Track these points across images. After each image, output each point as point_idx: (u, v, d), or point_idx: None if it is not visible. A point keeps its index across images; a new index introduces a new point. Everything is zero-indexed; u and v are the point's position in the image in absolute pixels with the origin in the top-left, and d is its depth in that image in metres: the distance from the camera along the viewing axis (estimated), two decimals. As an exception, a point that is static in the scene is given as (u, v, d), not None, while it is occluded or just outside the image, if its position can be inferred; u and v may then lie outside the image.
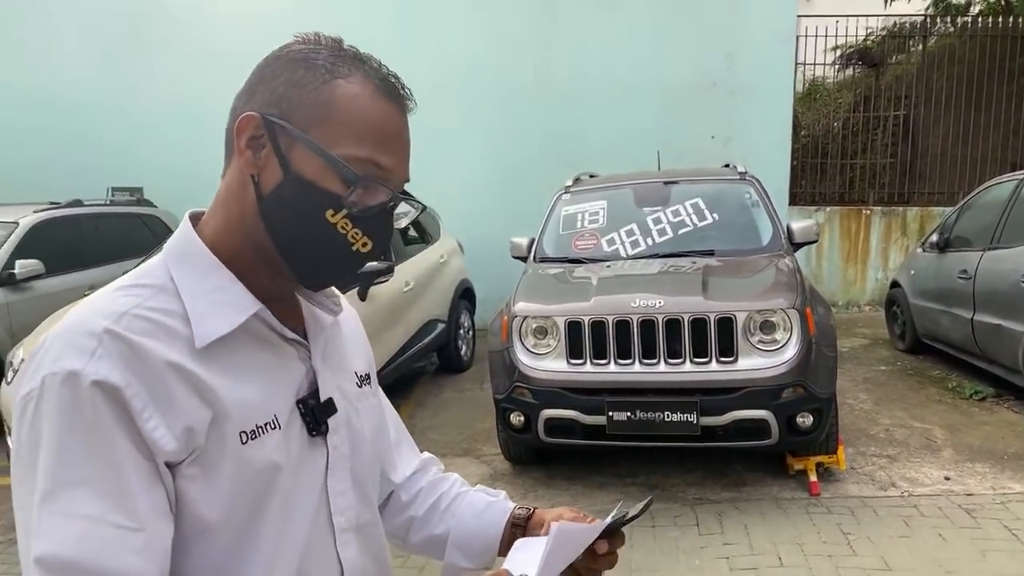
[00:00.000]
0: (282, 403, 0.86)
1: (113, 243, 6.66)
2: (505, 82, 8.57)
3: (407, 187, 0.91)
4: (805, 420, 3.86)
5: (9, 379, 4.21)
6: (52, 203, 6.57)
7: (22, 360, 4.13)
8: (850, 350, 7.16)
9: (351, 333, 1.08)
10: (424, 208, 0.95)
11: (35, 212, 6.16)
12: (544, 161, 8.44)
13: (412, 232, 6.93)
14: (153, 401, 0.75)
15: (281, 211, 0.83)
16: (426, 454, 1.24)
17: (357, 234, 0.83)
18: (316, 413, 0.90)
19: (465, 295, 7.26)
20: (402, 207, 0.90)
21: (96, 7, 8.89)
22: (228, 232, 0.87)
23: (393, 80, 0.87)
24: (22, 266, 5.60)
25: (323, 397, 0.91)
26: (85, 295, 4.80)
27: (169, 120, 8.65)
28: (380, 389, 1.13)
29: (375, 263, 5.24)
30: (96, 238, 6.56)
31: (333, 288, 1.00)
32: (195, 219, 0.91)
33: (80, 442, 0.73)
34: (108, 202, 7.23)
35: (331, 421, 0.91)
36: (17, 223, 5.94)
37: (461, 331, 7.08)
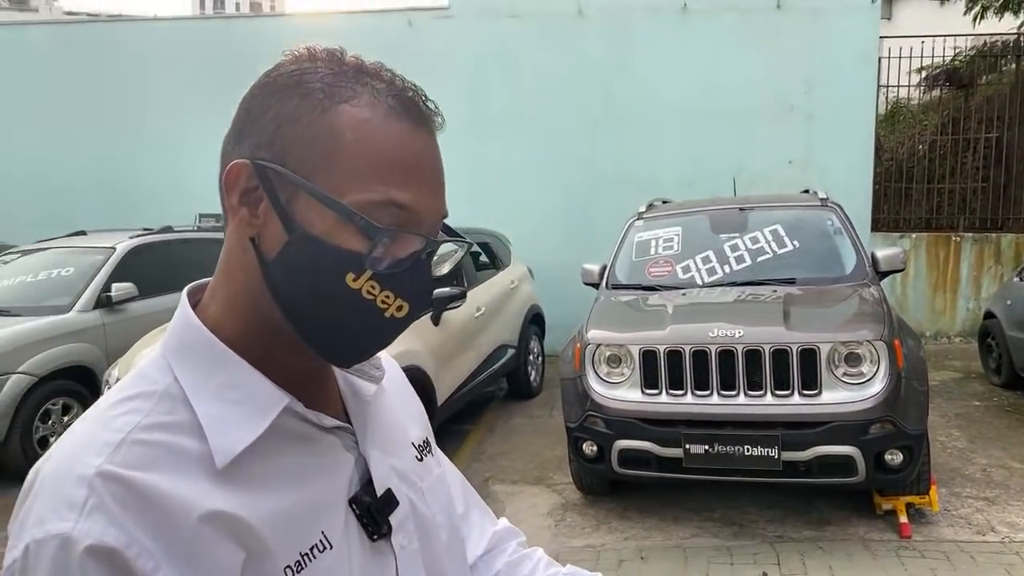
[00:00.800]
0: (331, 512, 0.70)
1: (200, 267, 6.90)
2: (577, 109, 8.61)
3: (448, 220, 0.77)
4: (894, 458, 3.67)
5: (104, 397, 4.43)
6: (145, 229, 6.93)
7: (117, 379, 4.34)
8: (941, 384, 6.80)
9: (398, 392, 0.91)
10: (471, 245, 0.79)
11: (130, 238, 6.50)
12: (615, 187, 8.41)
13: (483, 258, 7.00)
14: (169, 557, 0.59)
15: (291, 280, 0.66)
16: (503, 523, 1.03)
17: (388, 297, 0.66)
18: (374, 513, 0.74)
19: (535, 321, 7.26)
20: (445, 247, 0.74)
21: (190, 41, 9.41)
22: (233, 309, 0.70)
23: (411, 94, 0.70)
24: (118, 289, 5.90)
25: (379, 490, 0.75)
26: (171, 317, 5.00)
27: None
28: (440, 452, 0.96)
29: (447, 288, 5.33)
30: (185, 262, 6.87)
31: None
32: (195, 295, 0.74)
33: None
34: (195, 228, 7.56)
35: (393, 518, 0.75)
36: (114, 248, 6.28)
37: (531, 357, 7.07)
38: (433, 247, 0.69)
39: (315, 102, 0.66)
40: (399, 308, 0.67)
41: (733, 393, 3.77)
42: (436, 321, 5.20)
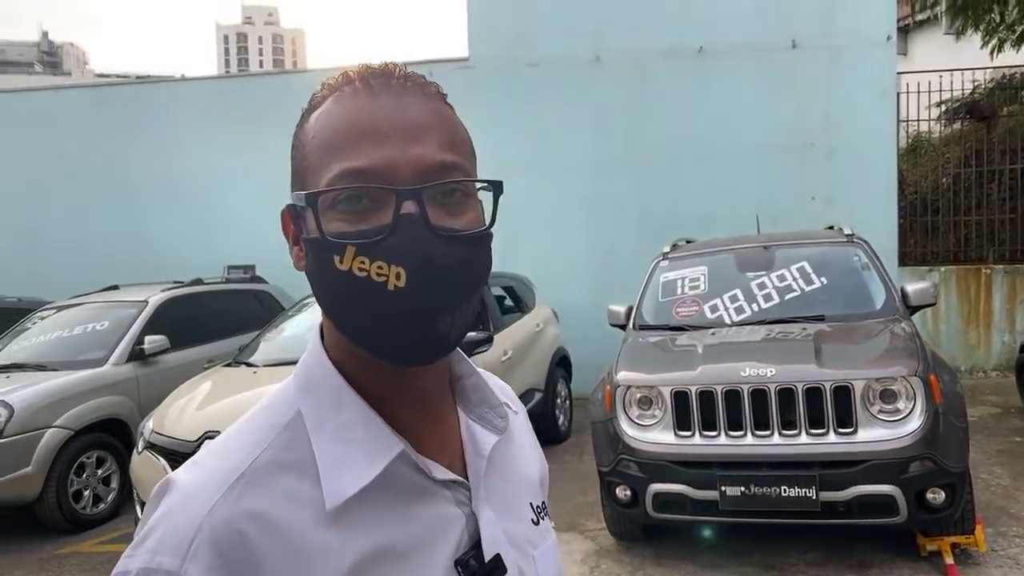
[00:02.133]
0: (435, 570, 0.67)
1: (230, 318, 7.06)
2: (598, 152, 8.72)
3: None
4: (936, 496, 3.58)
5: (139, 449, 4.47)
6: (176, 282, 7.07)
7: (152, 431, 4.39)
8: (979, 419, 6.64)
9: (525, 447, 0.85)
10: (495, 182, 0.70)
11: (162, 291, 6.63)
12: (638, 228, 8.45)
13: (508, 301, 7.03)
14: None
15: (316, 290, 0.68)
16: None
17: (382, 267, 0.61)
18: None
19: (561, 363, 7.25)
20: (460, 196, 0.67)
21: (217, 100, 9.72)
22: (332, 338, 0.71)
23: (370, 72, 0.68)
24: (151, 341, 6.01)
25: (487, 555, 0.70)
26: (205, 367, 5.07)
27: (277, 205, 9.20)
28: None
29: (473, 333, 5.35)
30: (215, 314, 6.98)
31: (498, 393, 0.80)
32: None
33: None
34: (224, 279, 7.70)
35: None
36: (147, 302, 6.41)
37: (558, 400, 7.03)
38: (412, 196, 0.63)
39: (299, 123, 0.69)
40: (397, 276, 0.61)
41: (767, 433, 3.72)
42: (464, 366, 5.21)
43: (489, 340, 5.40)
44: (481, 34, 9.01)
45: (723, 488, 3.68)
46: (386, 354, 0.66)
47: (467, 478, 0.73)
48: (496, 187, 0.70)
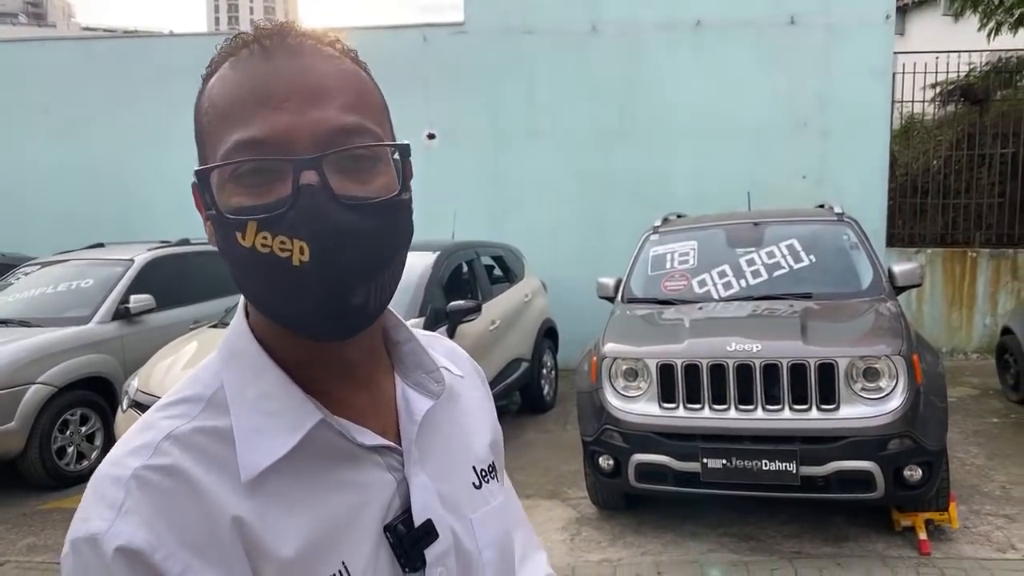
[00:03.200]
0: (358, 541, 0.66)
1: (216, 279, 7.01)
2: (591, 124, 8.65)
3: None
4: (913, 474, 3.65)
5: (124, 407, 4.46)
6: (163, 242, 7.00)
7: (137, 389, 4.38)
8: (958, 400, 6.74)
9: (476, 408, 0.85)
10: (400, 145, 0.66)
11: (148, 250, 6.57)
12: (629, 201, 8.43)
13: (497, 271, 7.02)
14: (201, 557, 0.59)
15: (226, 264, 0.65)
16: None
17: (285, 242, 0.59)
18: (406, 545, 0.68)
19: (548, 334, 7.27)
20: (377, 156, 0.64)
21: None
22: (255, 313, 0.69)
23: (267, 34, 0.64)
24: (136, 301, 5.96)
25: (417, 520, 0.69)
26: (191, 328, 5.06)
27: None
28: (508, 481, 0.90)
29: (462, 302, 5.35)
30: (201, 275, 6.93)
31: (439, 357, 0.79)
32: None
33: None
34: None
35: (430, 551, 0.69)
36: (132, 260, 6.35)
37: (544, 371, 7.07)
38: (311, 165, 0.59)
39: (200, 91, 0.66)
40: (301, 251, 0.59)
41: (751, 407, 3.76)
42: (451, 334, 5.21)
43: (478, 309, 5.40)
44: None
45: (705, 460, 3.73)
46: (300, 330, 0.64)
47: (401, 444, 0.72)
48: (403, 150, 0.66)
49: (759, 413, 3.75)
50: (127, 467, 0.61)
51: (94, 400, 5.62)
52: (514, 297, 6.76)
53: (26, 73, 9.76)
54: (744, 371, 3.78)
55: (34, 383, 5.16)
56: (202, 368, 0.70)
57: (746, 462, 3.66)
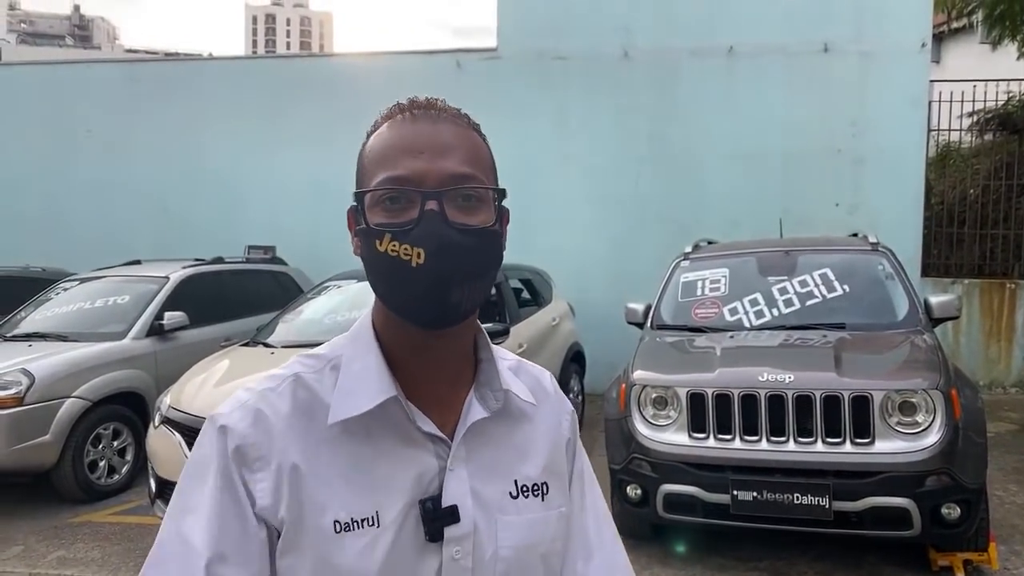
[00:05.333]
0: (393, 498, 0.85)
1: (249, 297, 7.11)
2: (622, 149, 8.67)
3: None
4: (951, 512, 3.54)
5: (156, 423, 4.51)
6: (197, 259, 7.12)
7: (169, 406, 4.43)
8: (996, 436, 6.55)
9: (539, 432, 0.98)
10: (497, 190, 0.88)
11: (183, 268, 6.69)
12: (659, 227, 8.41)
13: (525, 294, 7.02)
14: (269, 460, 0.83)
15: (366, 267, 0.87)
16: None
17: (408, 249, 0.81)
18: (432, 518, 0.85)
19: (575, 359, 7.23)
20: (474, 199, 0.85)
21: (244, 80, 9.76)
22: (377, 308, 0.92)
23: (416, 105, 0.87)
24: (170, 317, 6.05)
25: (446, 503, 0.86)
26: (222, 346, 5.09)
27: (299, 188, 9.29)
28: (585, 500, 1.03)
29: (490, 325, 5.35)
30: (234, 293, 7.03)
31: (510, 379, 0.95)
32: None
33: (192, 476, 0.85)
34: (245, 259, 7.75)
35: (449, 530, 0.85)
36: (167, 278, 6.46)
37: (571, 395, 7.02)
38: (433, 198, 0.81)
39: (364, 142, 0.89)
40: (418, 255, 0.80)
41: (783, 439, 3.69)
42: (479, 357, 5.21)
43: (506, 332, 5.40)
44: (510, 25, 8.97)
45: (735, 492, 3.66)
46: (406, 315, 0.85)
47: (453, 439, 0.89)
48: (500, 194, 0.89)
49: (791, 445, 3.68)
50: (264, 384, 0.88)
51: (127, 415, 5.70)
52: (542, 320, 6.75)
53: (71, 94, 10.07)
54: (776, 402, 3.72)
55: (69, 397, 5.26)
56: (337, 339, 0.94)
57: (777, 495, 3.59)
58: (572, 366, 7.09)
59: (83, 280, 6.81)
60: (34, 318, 6.33)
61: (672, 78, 8.63)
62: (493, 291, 6.26)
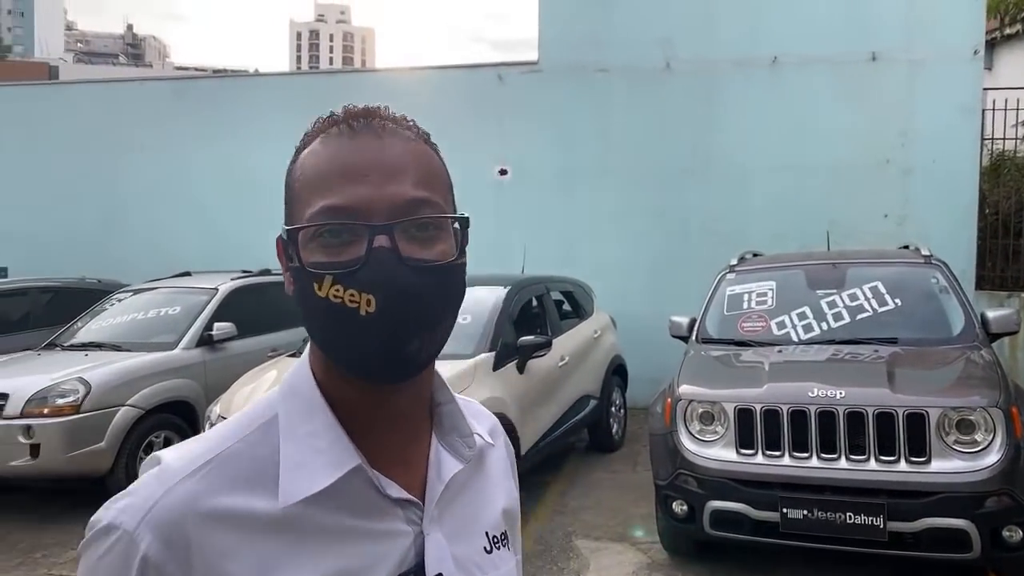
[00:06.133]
0: None
1: (294, 309, 7.21)
2: (664, 160, 8.62)
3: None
4: (1013, 534, 3.42)
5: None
6: (244, 271, 7.28)
7: (219, 416, 4.53)
8: (1057, 455, 6.31)
9: (498, 474, 0.89)
10: (460, 217, 0.76)
11: (231, 280, 6.83)
12: (702, 239, 8.33)
13: (566, 307, 7.01)
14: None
15: (300, 311, 0.73)
16: None
17: (354, 295, 0.67)
18: None
19: (618, 372, 7.19)
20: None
21: (288, 95, 9.98)
22: (316, 357, 0.77)
23: (354, 116, 0.73)
24: (219, 328, 6.20)
25: (429, 573, 0.74)
26: (268, 356, 5.18)
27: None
28: (519, 540, 0.94)
29: (532, 337, 5.35)
30: (281, 304, 7.16)
31: (474, 424, 0.85)
32: None
33: None
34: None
35: None
36: (216, 289, 6.62)
37: (613, 409, 6.97)
38: (384, 231, 0.68)
39: (292, 160, 0.76)
40: (368, 303, 0.67)
41: (834, 456, 3.61)
42: (521, 369, 5.22)
43: (548, 344, 5.39)
44: (552, 38, 9.01)
45: (784, 510, 3.59)
46: (357, 372, 0.71)
47: (424, 500, 0.77)
48: (463, 222, 0.75)
49: (843, 463, 3.60)
50: (172, 475, 0.69)
51: (177, 423, 5.84)
52: (583, 333, 6.73)
53: (125, 110, 10.40)
54: (827, 418, 3.64)
55: (123, 405, 5.40)
56: (260, 400, 0.78)
57: (829, 514, 3.51)
58: (614, 379, 7.05)
59: (136, 291, 7.01)
60: (90, 328, 6.53)
61: (715, 89, 8.56)
62: (535, 302, 6.27)
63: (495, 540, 0.83)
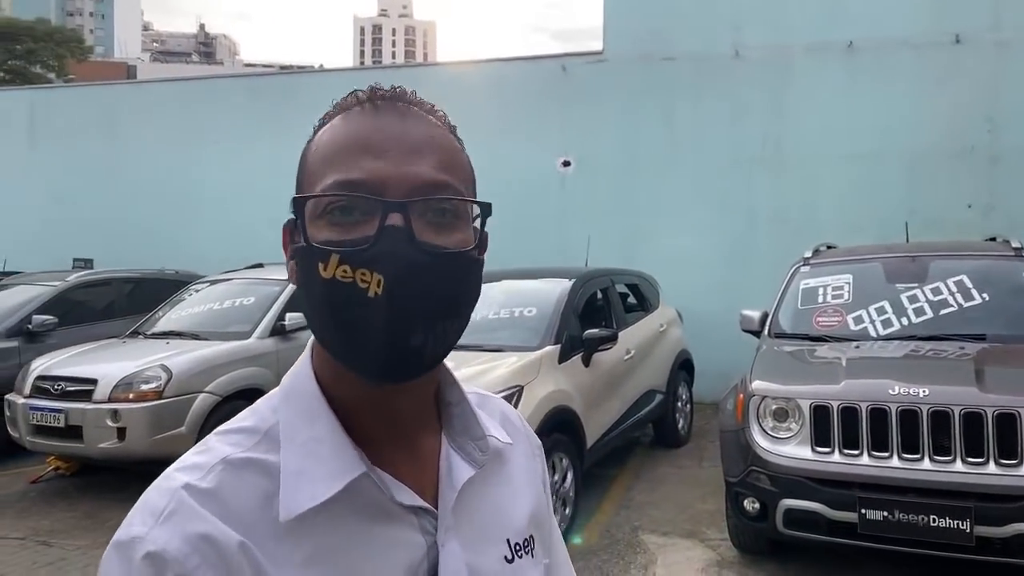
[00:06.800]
0: None
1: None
2: (732, 150, 8.44)
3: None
4: (1112, 543, 3.23)
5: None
6: (314, 263, 7.43)
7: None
8: None
9: (518, 475, 0.83)
10: (481, 204, 0.71)
11: (302, 271, 7.01)
12: (771, 231, 8.13)
13: (631, 299, 6.93)
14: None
15: (301, 299, 0.68)
16: None
17: (365, 275, 0.62)
18: None
19: (684, 366, 7.08)
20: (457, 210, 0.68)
21: (352, 88, 10.14)
22: (319, 356, 0.72)
23: (380, 95, 0.70)
24: (291, 318, 6.36)
25: None
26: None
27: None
28: (558, 543, 0.90)
29: (598, 331, 5.31)
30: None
31: (487, 423, 0.79)
32: None
33: None
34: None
35: None
36: (288, 281, 6.78)
37: (679, 404, 6.88)
38: (398, 208, 0.63)
39: (309, 139, 0.71)
40: (378, 284, 0.62)
41: (916, 456, 3.47)
42: (587, 362, 5.19)
43: (614, 338, 5.34)
44: (617, 28, 8.91)
45: (863, 511, 3.47)
46: (357, 366, 0.66)
47: (437, 506, 0.72)
48: (484, 208, 0.70)
49: (926, 464, 3.46)
50: (176, 481, 0.65)
51: (251, 410, 6.02)
52: (649, 327, 6.64)
53: (200, 107, 10.77)
54: (909, 417, 3.50)
55: (202, 392, 5.61)
56: (262, 402, 0.73)
57: (911, 516, 3.38)
58: (680, 374, 6.95)
59: (212, 282, 7.26)
60: (170, 317, 6.80)
61: (785, 76, 8.33)
62: (600, 295, 6.22)
63: (517, 548, 0.78)
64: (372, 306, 0.62)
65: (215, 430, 0.72)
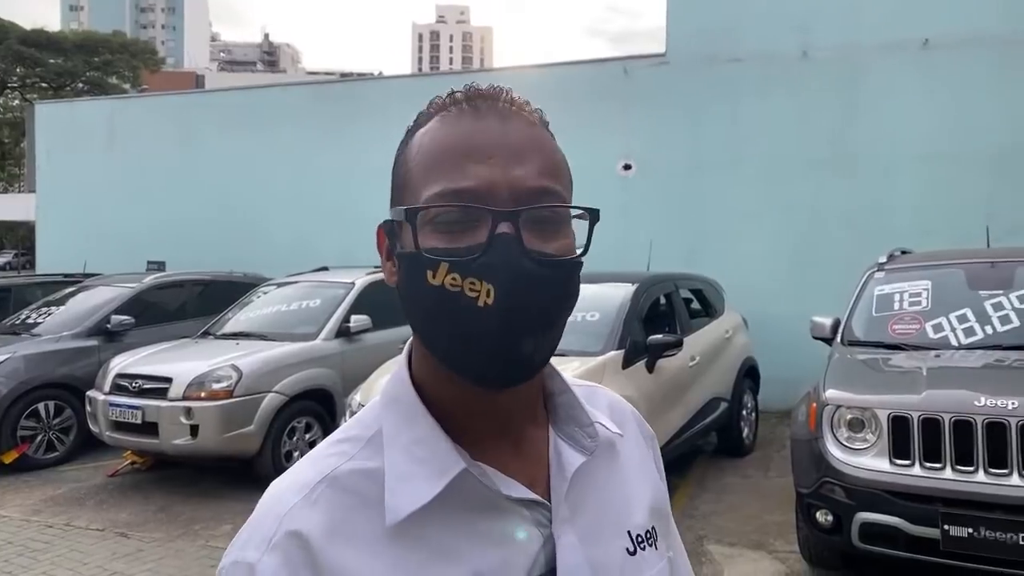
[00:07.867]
0: None
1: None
2: (800, 152, 8.23)
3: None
4: None
5: (348, 419, 4.84)
6: (378, 266, 7.53)
7: (360, 404, 4.73)
8: None
9: (636, 465, 0.82)
10: (588, 211, 0.70)
11: (367, 274, 7.13)
12: (841, 235, 7.89)
13: (696, 305, 6.82)
14: None
15: (405, 304, 0.69)
16: None
17: (474, 284, 0.62)
18: None
19: (749, 374, 6.93)
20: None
21: (413, 96, 10.27)
22: (418, 356, 0.72)
23: (478, 95, 0.69)
24: (355, 320, 6.48)
25: None
26: (399, 348, 5.38)
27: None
28: (677, 537, 0.88)
29: (663, 336, 5.24)
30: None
31: (594, 411, 0.78)
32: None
33: None
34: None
35: None
36: (353, 283, 6.92)
37: (744, 412, 6.73)
38: (509, 217, 0.63)
39: (402, 144, 0.71)
40: (488, 293, 0.62)
41: (1005, 472, 3.31)
42: (651, 368, 5.12)
43: (679, 344, 5.26)
44: (680, 29, 8.80)
45: (946, 527, 3.33)
46: (468, 373, 0.66)
47: (550, 499, 0.70)
48: (593, 215, 0.69)
49: (1015, 479, 3.29)
50: (288, 501, 0.66)
51: (317, 410, 6.15)
52: (714, 333, 6.53)
53: (268, 115, 11.07)
54: (996, 430, 3.34)
55: (270, 392, 5.76)
56: (366, 410, 0.74)
57: (999, 534, 3.22)
58: (746, 381, 6.81)
59: (280, 285, 7.46)
60: (239, 319, 7.01)
61: (856, 76, 8.08)
62: (664, 300, 6.14)
63: (639, 540, 0.76)
64: (483, 315, 0.62)
65: (325, 439, 0.74)
